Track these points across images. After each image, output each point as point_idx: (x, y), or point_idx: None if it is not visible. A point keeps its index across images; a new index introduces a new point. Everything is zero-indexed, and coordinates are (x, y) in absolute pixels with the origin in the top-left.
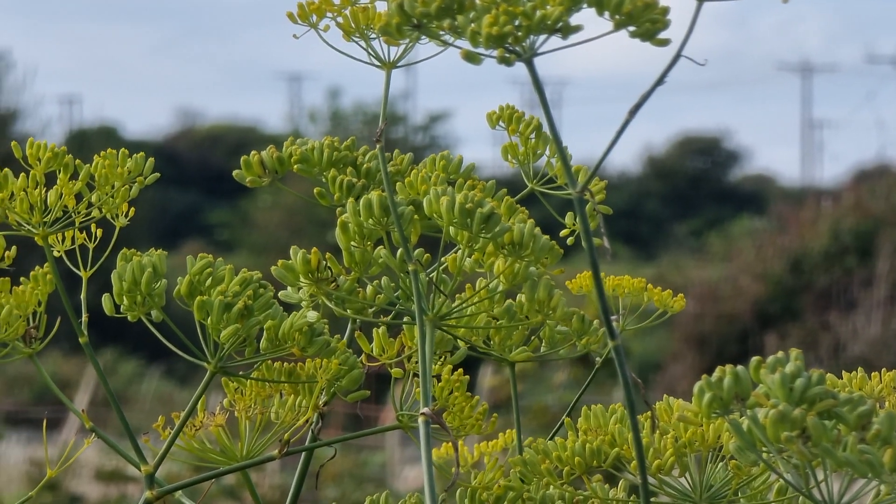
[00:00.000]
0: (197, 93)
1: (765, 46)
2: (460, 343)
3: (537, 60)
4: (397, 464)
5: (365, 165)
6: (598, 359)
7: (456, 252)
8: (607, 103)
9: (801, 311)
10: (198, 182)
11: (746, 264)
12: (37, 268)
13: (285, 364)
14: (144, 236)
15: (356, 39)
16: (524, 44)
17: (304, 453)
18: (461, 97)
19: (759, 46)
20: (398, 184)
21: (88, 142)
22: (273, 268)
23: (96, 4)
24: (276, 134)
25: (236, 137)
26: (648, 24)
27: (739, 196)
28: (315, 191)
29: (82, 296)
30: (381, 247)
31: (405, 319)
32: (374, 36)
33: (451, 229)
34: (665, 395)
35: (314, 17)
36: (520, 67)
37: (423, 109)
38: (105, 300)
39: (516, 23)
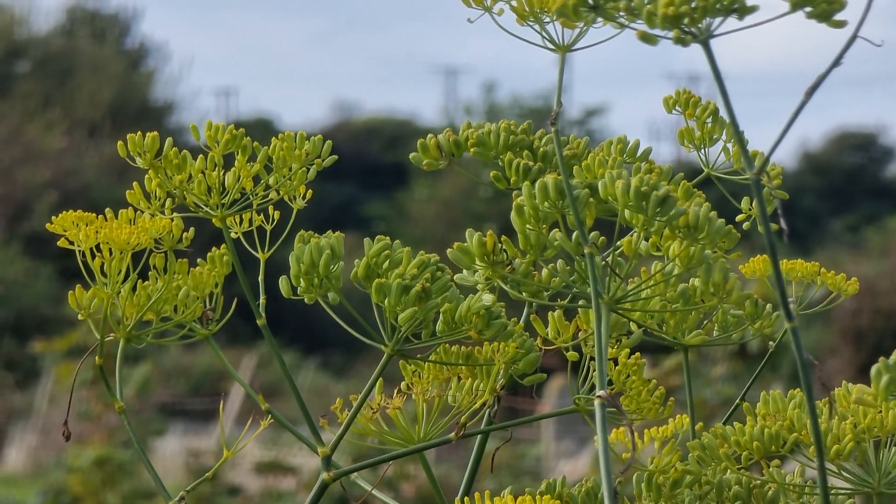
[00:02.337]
0: (353, 85)
1: None
2: (633, 326)
3: (695, 52)
4: (552, 458)
5: (541, 149)
6: (770, 343)
7: (631, 235)
8: (762, 98)
9: None
10: (354, 175)
11: None
12: (214, 249)
13: (463, 347)
14: (299, 229)
15: (530, 23)
16: (700, 25)
17: (479, 438)
18: (616, 92)
19: None
20: (575, 167)
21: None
22: (449, 250)
23: None
24: (431, 127)
25: (392, 130)
26: (825, 5)
27: None
28: (491, 174)
29: (260, 278)
30: (557, 230)
31: (580, 303)
32: (547, 20)
33: (627, 212)
34: (844, 382)
35: (488, 1)
36: (674, 61)
37: (579, 104)
38: (282, 282)
39: (693, 4)
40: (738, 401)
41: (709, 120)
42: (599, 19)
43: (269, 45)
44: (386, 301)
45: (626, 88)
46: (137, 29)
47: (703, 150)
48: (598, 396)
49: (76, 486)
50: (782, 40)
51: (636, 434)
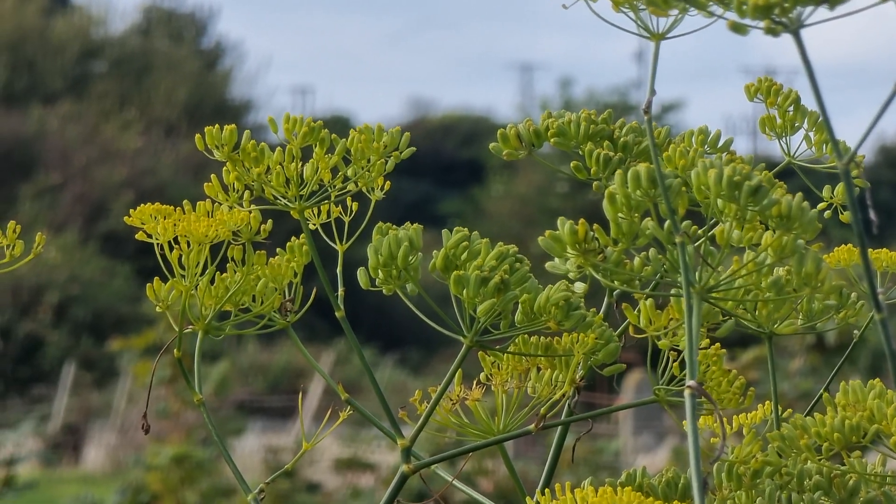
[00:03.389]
0: (428, 83)
1: None
2: (719, 316)
3: (771, 46)
4: (630, 452)
5: (622, 139)
6: (856, 332)
7: (723, 224)
8: (836, 92)
9: None
10: (430, 172)
11: None
12: (293, 239)
13: (542, 338)
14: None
15: (625, 10)
16: (791, 15)
17: (558, 430)
18: (692, 87)
19: None
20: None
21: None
22: (540, 238)
23: None
24: (507, 123)
25: (468, 127)
26: None
27: None
28: (572, 164)
29: (338, 270)
30: (649, 218)
31: (673, 291)
32: (642, 7)
33: (719, 202)
34: None
35: None
36: (750, 55)
37: (655, 99)
38: (360, 273)
39: None
40: (820, 393)
41: (790, 108)
42: (692, 9)
43: (344, 44)
44: (464, 293)
45: (702, 83)
46: (213, 28)
47: (784, 139)
48: (689, 386)
49: (155, 484)
50: (855, 34)
51: (724, 420)
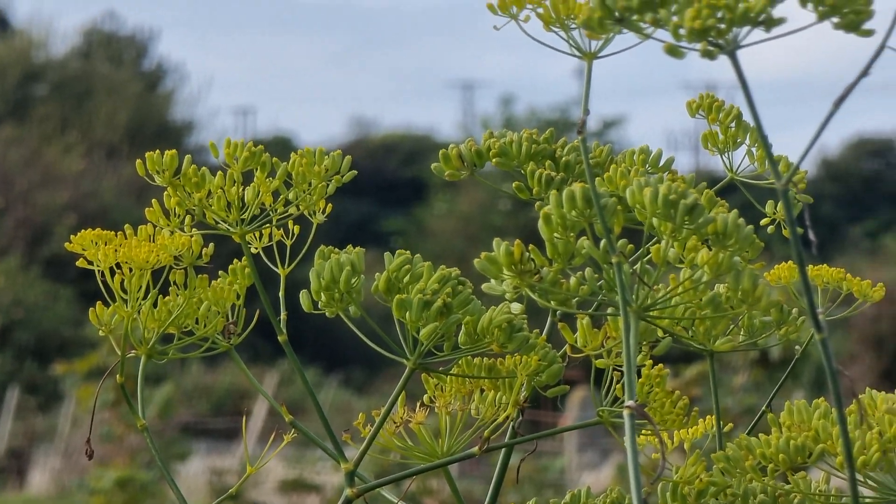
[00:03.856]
0: (370, 102)
1: None
2: (660, 334)
3: (711, 62)
4: (575, 470)
5: (564, 159)
6: (797, 348)
7: (660, 243)
8: (780, 105)
9: None
10: (372, 191)
11: None
12: (235, 261)
13: (485, 359)
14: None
15: (556, 30)
16: (727, 37)
17: (503, 451)
18: (633, 103)
19: None
20: (597, 178)
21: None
22: (476, 260)
23: (269, 15)
24: (449, 141)
25: (410, 146)
26: (852, 15)
27: None
28: (514, 185)
29: (280, 293)
30: (584, 238)
31: (609, 310)
32: (574, 26)
33: (655, 220)
34: (868, 389)
35: (514, 9)
36: (690, 71)
37: (596, 116)
38: (303, 297)
39: (719, 15)
40: (763, 409)
41: (732, 124)
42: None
43: (286, 64)
44: (407, 316)
45: (643, 99)
46: (154, 50)
47: (726, 155)
48: (627, 407)
49: None
50: (798, 47)
51: (666, 440)
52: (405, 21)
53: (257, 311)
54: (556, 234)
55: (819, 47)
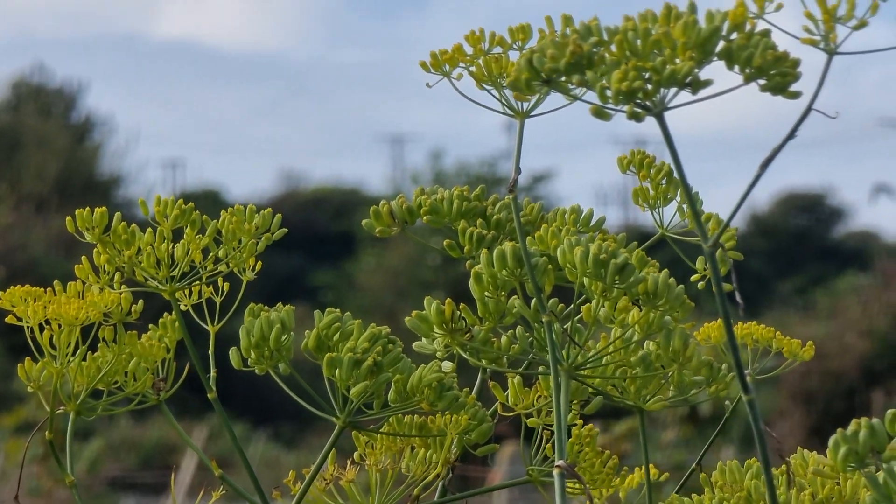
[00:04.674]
0: (300, 155)
1: (868, 102)
2: (590, 391)
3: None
4: None
5: (495, 216)
6: (727, 403)
7: (590, 302)
8: (711, 160)
9: None
10: (302, 244)
11: (852, 321)
12: (165, 315)
13: (416, 417)
14: (248, 300)
15: (488, 88)
16: (654, 98)
17: None
18: (563, 157)
19: (862, 102)
20: (528, 238)
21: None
22: (407, 319)
23: (199, 68)
24: (378, 195)
25: (340, 200)
26: (779, 77)
27: (843, 253)
28: (445, 243)
29: (210, 350)
30: (515, 297)
31: (540, 369)
32: (506, 85)
33: (585, 280)
34: (799, 448)
35: (447, 67)
36: (620, 125)
37: (527, 170)
38: (233, 354)
39: (646, 77)
40: (692, 467)
41: (663, 181)
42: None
43: (215, 116)
44: (337, 374)
45: (573, 153)
46: (83, 103)
47: (657, 210)
48: (558, 466)
49: None
50: (732, 101)
51: (595, 500)
52: (334, 74)
53: (186, 367)
54: (487, 293)
55: (752, 101)
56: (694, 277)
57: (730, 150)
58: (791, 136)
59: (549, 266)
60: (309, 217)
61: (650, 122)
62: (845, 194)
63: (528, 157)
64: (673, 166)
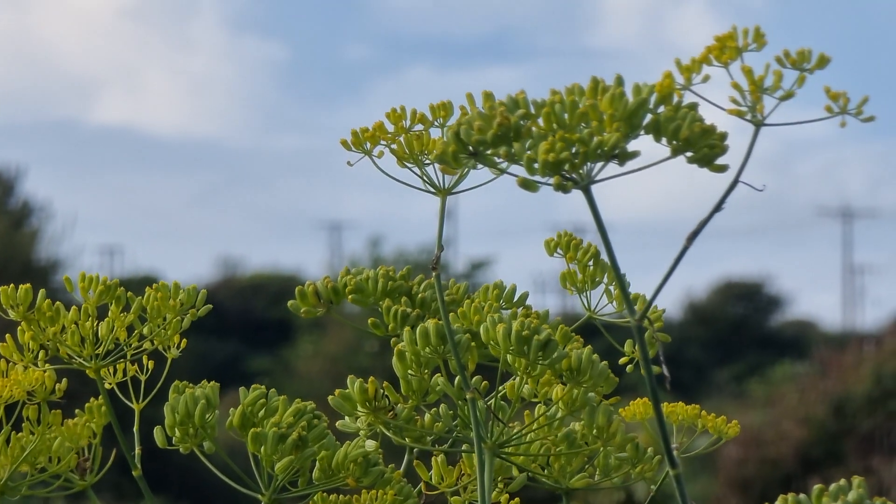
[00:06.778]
0: (237, 241)
1: (806, 191)
2: (515, 471)
3: (580, 203)
4: None
5: (420, 295)
6: (652, 486)
7: (514, 379)
8: (646, 249)
9: (844, 455)
10: (239, 331)
11: (789, 409)
12: (91, 399)
13: (341, 495)
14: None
15: (410, 166)
16: (581, 171)
17: None
18: (502, 244)
19: (800, 191)
20: (452, 314)
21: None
22: (330, 397)
23: (136, 154)
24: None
25: (277, 286)
26: (706, 150)
27: (781, 341)
28: (369, 321)
29: (135, 428)
30: (439, 374)
31: (464, 447)
32: (428, 162)
33: (509, 357)
34: None
35: (367, 145)
36: (558, 212)
37: (464, 257)
38: (157, 432)
39: (573, 149)
40: None
41: (590, 263)
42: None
43: (153, 202)
44: (262, 450)
45: (512, 240)
46: (21, 188)
47: (585, 294)
48: None
49: None
50: (665, 191)
51: None
52: (272, 161)
53: (114, 450)
54: (410, 371)
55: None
56: (622, 360)
57: (665, 239)
58: (718, 208)
59: (473, 343)
60: (246, 303)
61: (586, 206)
62: (783, 283)
63: (467, 243)
64: (601, 241)
